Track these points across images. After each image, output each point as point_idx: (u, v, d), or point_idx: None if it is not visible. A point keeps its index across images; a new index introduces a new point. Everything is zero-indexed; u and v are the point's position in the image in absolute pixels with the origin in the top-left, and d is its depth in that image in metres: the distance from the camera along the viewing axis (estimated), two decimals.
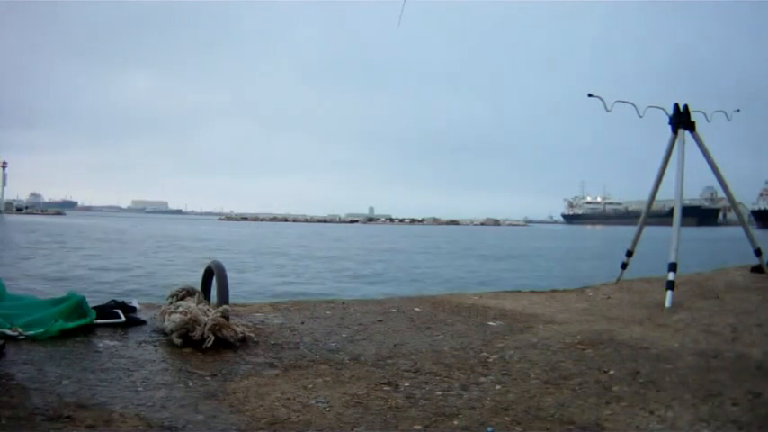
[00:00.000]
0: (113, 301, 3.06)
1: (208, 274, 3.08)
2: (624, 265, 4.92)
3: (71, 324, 2.56)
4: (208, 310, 2.63)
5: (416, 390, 2.05)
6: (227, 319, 2.58)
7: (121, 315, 2.86)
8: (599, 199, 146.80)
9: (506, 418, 1.79)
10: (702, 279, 4.95)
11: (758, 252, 4.85)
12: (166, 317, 2.64)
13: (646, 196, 4.89)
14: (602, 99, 4.26)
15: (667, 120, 4.41)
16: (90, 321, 2.66)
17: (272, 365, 2.31)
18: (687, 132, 4.34)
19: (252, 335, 2.68)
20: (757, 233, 5.12)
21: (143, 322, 2.85)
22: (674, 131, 4.36)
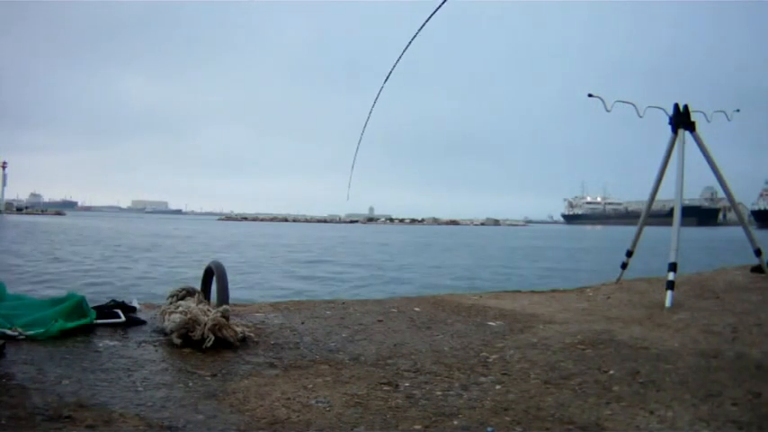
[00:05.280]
0: (113, 300, 3.05)
1: (208, 274, 3.08)
2: (624, 265, 4.92)
3: (71, 324, 2.56)
4: (208, 310, 2.62)
5: (416, 390, 2.05)
6: (227, 319, 2.58)
7: (121, 315, 2.85)
8: (599, 199, 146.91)
9: (506, 418, 1.79)
10: (702, 279, 4.94)
11: (758, 252, 4.84)
12: (166, 317, 2.64)
13: (646, 196, 4.89)
14: (602, 99, 4.26)
15: (667, 120, 4.41)
16: (90, 321, 2.66)
17: (272, 365, 2.31)
18: (687, 132, 4.34)
19: (252, 335, 2.68)
20: (757, 233, 5.12)
21: (143, 322, 2.85)
22: (674, 131, 4.36)
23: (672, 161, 4.40)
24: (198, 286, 3.09)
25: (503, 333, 2.93)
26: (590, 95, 4.24)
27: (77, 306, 2.69)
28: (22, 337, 2.40)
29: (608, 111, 4.30)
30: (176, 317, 2.55)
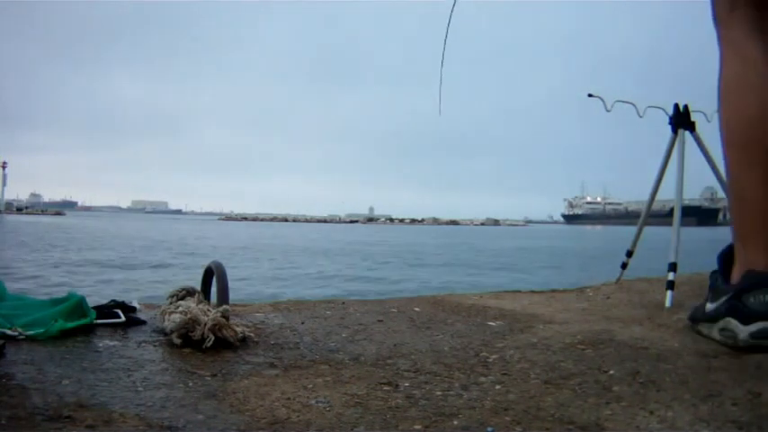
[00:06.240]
0: (113, 300, 3.05)
1: (208, 275, 3.08)
2: (624, 265, 4.91)
3: (71, 324, 2.56)
4: (208, 310, 2.63)
5: (416, 390, 2.05)
6: (227, 319, 2.58)
7: (121, 315, 2.86)
8: (599, 199, 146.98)
9: (506, 418, 1.79)
10: (702, 279, 4.93)
11: None
12: (166, 317, 2.64)
13: (646, 196, 4.88)
14: (602, 99, 4.26)
15: (667, 120, 4.40)
16: (90, 321, 2.66)
17: (272, 365, 2.31)
18: (687, 132, 4.34)
19: (252, 335, 2.68)
20: None
21: (143, 322, 2.85)
22: (674, 131, 4.36)
23: (672, 161, 4.39)
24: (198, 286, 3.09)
25: (503, 333, 2.93)
26: (590, 95, 4.24)
27: (77, 306, 2.69)
28: (22, 337, 2.40)
29: (608, 111, 4.30)
30: (176, 317, 2.55)
